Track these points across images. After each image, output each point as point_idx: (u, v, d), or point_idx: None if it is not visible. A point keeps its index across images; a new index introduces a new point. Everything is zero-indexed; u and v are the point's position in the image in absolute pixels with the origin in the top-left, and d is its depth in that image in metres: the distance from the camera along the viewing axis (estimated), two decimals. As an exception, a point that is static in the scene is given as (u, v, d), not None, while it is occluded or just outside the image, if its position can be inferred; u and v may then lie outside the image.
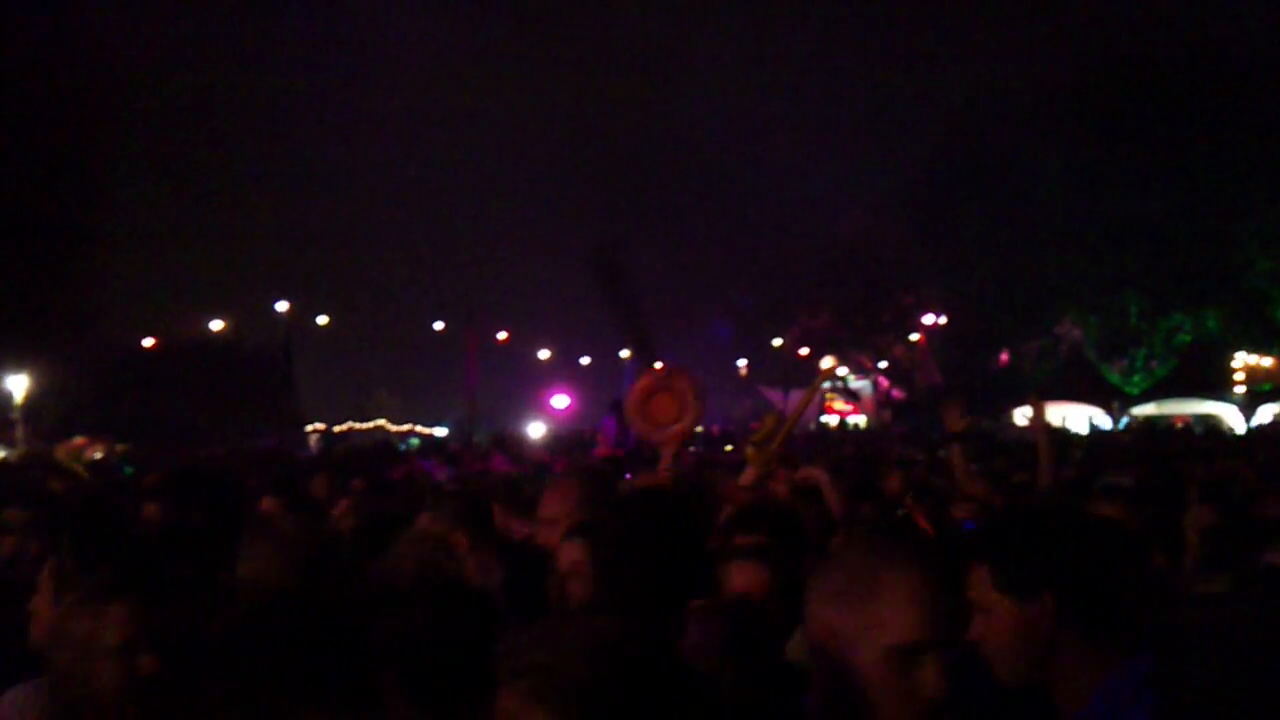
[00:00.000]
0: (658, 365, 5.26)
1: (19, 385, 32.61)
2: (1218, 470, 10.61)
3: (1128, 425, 37.14)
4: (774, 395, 44.92)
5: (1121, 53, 43.06)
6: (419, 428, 53.28)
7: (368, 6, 71.38)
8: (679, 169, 70.17)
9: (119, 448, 25.15)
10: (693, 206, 69.13)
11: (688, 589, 2.67)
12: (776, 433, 5.07)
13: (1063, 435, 25.49)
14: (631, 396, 5.07)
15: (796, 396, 41.01)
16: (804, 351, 49.90)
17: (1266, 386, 39.29)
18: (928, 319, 46.09)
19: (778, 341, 52.10)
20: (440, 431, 49.20)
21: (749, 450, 5.06)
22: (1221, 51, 40.48)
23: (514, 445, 23.15)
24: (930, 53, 59.14)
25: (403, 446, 34.23)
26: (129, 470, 16.19)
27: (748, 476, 5.02)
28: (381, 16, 71.87)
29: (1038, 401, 6.56)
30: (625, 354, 50.70)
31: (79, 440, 33.02)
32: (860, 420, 46.69)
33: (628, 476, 6.33)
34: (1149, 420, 37.57)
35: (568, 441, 25.47)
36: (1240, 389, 39.40)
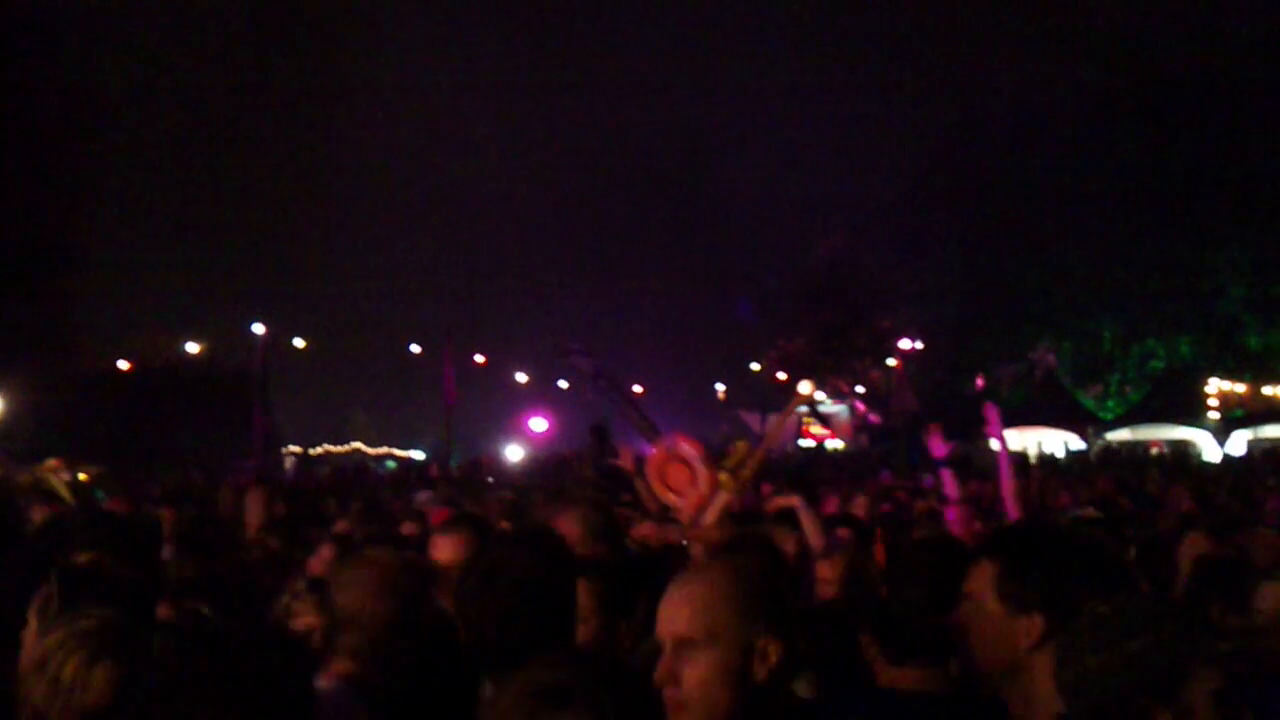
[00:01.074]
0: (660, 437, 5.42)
1: (-7, 407, 32.36)
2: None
3: (1098, 450, 37.38)
4: (752, 419, 44.94)
5: (1098, 83, 43.54)
6: (395, 450, 53.10)
7: (343, 33, 71.47)
8: (655, 195, 70.44)
9: (91, 471, 24.89)
10: (670, 233, 69.35)
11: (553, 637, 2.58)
12: (749, 459, 5.11)
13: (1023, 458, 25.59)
14: (650, 470, 5.28)
15: (774, 420, 41.04)
16: (782, 376, 49.99)
17: (1239, 413, 39.57)
18: (904, 344, 46.29)
19: (755, 366, 52.22)
20: (417, 454, 49.05)
21: (722, 475, 5.10)
22: (1197, 82, 40.95)
23: (496, 468, 23.15)
24: (909, 79, 59.61)
25: (379, 469, 34.11)
26: (100, 494, 16.05)
27: (721, 501, 5.05)
28: (356, 42, 71.96)
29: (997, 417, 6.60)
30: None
31: (52, 463, 32.72)
32: (837, 445, 46.75)
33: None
34: (1107, 446, 37.84)
35: (547, 464, 25.43)
36: (1214, 415, 39.65)
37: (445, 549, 3.83)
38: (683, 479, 5.23)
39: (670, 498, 5.31)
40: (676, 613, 2.10)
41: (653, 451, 5.41)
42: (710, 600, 2.08)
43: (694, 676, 2.03)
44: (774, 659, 2.05)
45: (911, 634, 2.71)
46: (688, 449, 5.31)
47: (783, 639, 2.06)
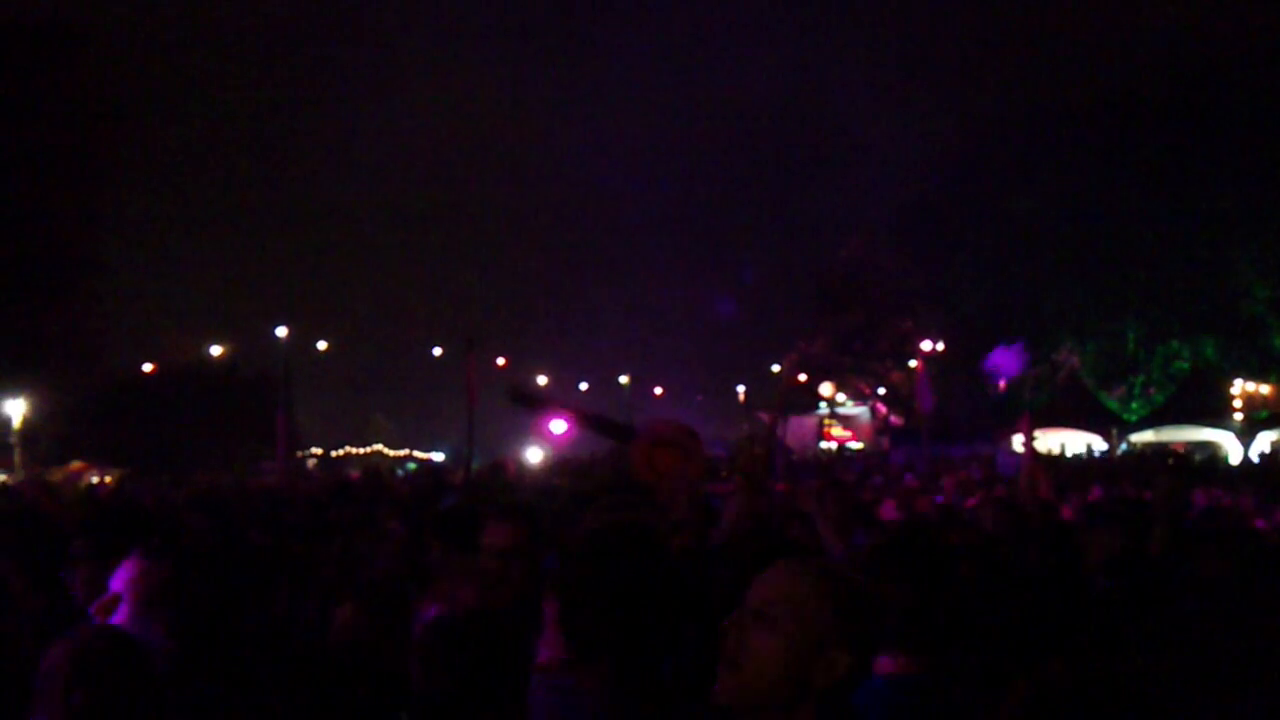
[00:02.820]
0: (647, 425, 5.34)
1: (16, 410, 32.54)
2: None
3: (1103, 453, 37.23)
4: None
5: (1118, 81, 43.32)
6: (416, 452, 53.28)
7: (366, 36, 71.75)
8: (676, 198, 70.40)
9: (114, 473, 25.05)
10: (690, 235, 69.32)
11: (662, 638, 2.57)
12: (760, 458, 5.07)
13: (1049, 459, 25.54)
14: (636, 459, 5.20)
15: (794, 423, 41.00)
16: (802, 378, 49.92)
17: (1264, 414, 39.30)
18: (925, 345, 46.16)
19: (776, 368, 52.15)
20: (438, 456, 49.18)
21: (738, 478, 5.08)
22: (1219, 80, 40.68)
23: (518, 470, 23.11)
24: (928, 82, 59.48)
25: (400, 472, 34.18)
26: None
27: (738, 504, 5.03)
28: (379, 46, 72.25)
29: (1028, 422, 6.70)
30: (624, 380, 50.82)
31: (76, 465, 32.99)
32: (858, 446, 46.64)
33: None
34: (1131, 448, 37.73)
35: (568, 466, 25.37)
36: (1238, 416, 39.40)
37: (500, 536, 3.88)
38: (671, 461, 5.20)
39: (664, 483, 5.27)
40: (773, 581, 2.10)
41: (632, 448, 5.34)
42: (812, 586, 2.06)
43: (757, 646, 2.03)
44: (839, 672, 2.03)
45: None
46: (671, 431, 5.27)
47: (856, 659, 2.04)
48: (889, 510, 7.30)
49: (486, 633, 2.52)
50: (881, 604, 2.14)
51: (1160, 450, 36.27)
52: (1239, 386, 40.23)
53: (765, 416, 46.79)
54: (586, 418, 5.19)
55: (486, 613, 2.99)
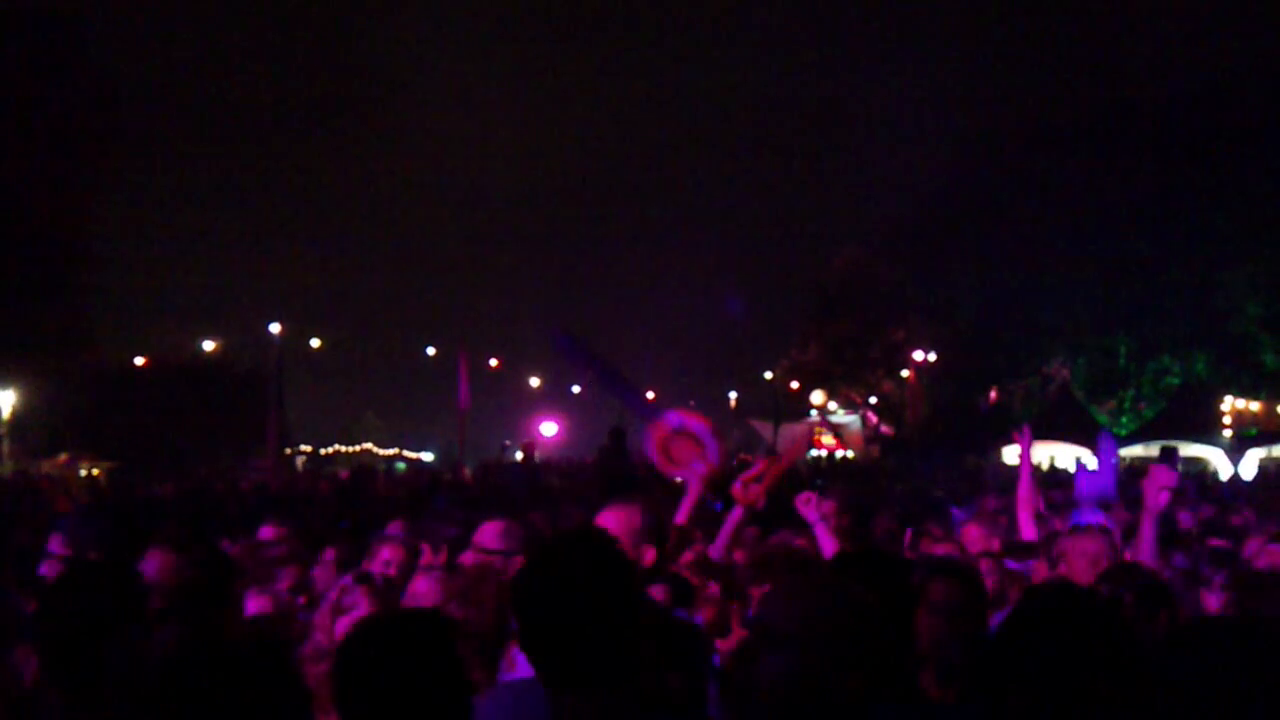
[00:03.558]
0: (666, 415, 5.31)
1: (6, 401, 32.43)
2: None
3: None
4: (763, 428, 44.91)
5: (1113, 98, 43.48)
6: (406, 452, 53.26)
7: (364, 38, 71.71)
8: (673, 205, 70.50)
9: (103, 466, 25.05)
10: (686, 242, 69.43)
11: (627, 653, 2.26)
12: (765, 475, 5.07)
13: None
14: (651, 447, 5.18)
15: (786, 430, 40.91)
16: (794, 385, 49.94)
17: (1254, 431, 39.36)
18: (917, 356, 46.21)
19: (769, 375, 52.19)
20: (427, 456, 49.15)
21: (736, 488, 5.06)
22: (1211, 98, 40.86)
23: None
24: (927, 94, 59.65)
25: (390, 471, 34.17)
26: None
27: (736, 515, 5.03)
28: (375, 42, 72.18)
29: (1028, 436, 6.72)
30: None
31: (64, 458, 32.86)
32: (847, 455, 46.61)
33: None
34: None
35: (562, 469, 25.41)
36: (1228, 433, 39.44)
37: (492, 537, 3.82)
38: (688, 452, 5.17)
39: (676, 471, 5.26)
40: (780, 601, 2.08)
41: (653, 429, 5.32)
42: (820, 605, 2.05)
43: (767, 666, 2.01)
44: (851, 689, 2.00)
45: None
46: (692, 422, 5.25)
47: (868, 676, 2.01)
48: (883, 520, 7.28)
49: (415, 637, 2.29)
50: (889, 620, 2.10)
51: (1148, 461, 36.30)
52: (1229, 403, 40.29)
53: (759, 425, 46.87)
54: (632, 390, 5.13)
55: (419, 614, 2.71)
